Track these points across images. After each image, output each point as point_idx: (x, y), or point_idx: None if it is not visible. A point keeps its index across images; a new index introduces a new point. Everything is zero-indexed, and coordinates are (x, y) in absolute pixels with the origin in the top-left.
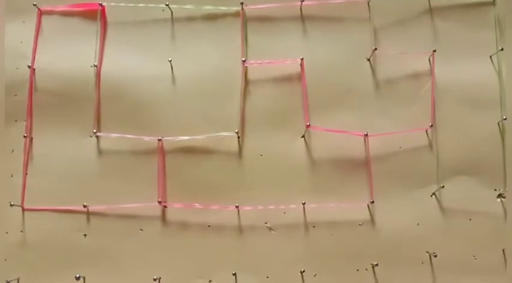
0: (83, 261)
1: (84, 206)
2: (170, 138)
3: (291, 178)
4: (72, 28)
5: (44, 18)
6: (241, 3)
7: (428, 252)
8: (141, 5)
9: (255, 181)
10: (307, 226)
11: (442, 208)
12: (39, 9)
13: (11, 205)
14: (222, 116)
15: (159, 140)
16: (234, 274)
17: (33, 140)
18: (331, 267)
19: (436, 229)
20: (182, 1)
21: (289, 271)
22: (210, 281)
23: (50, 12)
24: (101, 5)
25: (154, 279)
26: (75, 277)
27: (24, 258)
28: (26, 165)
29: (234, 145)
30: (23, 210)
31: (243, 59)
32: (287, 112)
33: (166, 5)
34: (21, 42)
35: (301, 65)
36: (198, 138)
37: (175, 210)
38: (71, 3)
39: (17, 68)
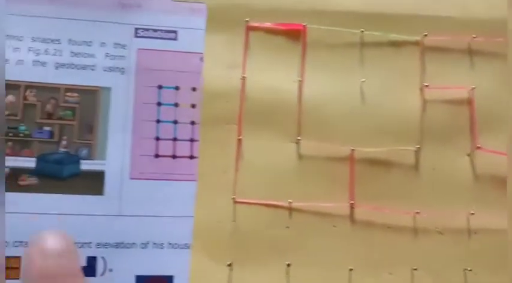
0: (286, 250)
1: (290, 202)
2: (362, 148)
3: (459, 190)
4: (275, 45)
5: (251, 33)
6: (425, 35)
7: None
8: (338, 29)
9: (429, 191)
10: (470, 232)
11: None
12: (247, 25)
13: (234, 200)
14: (401, 132)
15: (352, 150)
16: (415, 269)
17: (242, 141)
18: (491, 267)
19: None
20: (372, 27)
21: (455, 269)
22: (391, 274)
23: (257, 29)
24: (304, 26)
25: (350, 270)
26: (287, 264)
27: (235, 245)
28: (237, 163)
29: (411, 159)
30: (235, 202)
31: (426, 84)
32: (457, 133)
33: (362, 31)
34: (232, 54)
35: (471, 92)
36: (383, 150)
37: (362, 211)
38: (275, 21)
39: (230, 78)
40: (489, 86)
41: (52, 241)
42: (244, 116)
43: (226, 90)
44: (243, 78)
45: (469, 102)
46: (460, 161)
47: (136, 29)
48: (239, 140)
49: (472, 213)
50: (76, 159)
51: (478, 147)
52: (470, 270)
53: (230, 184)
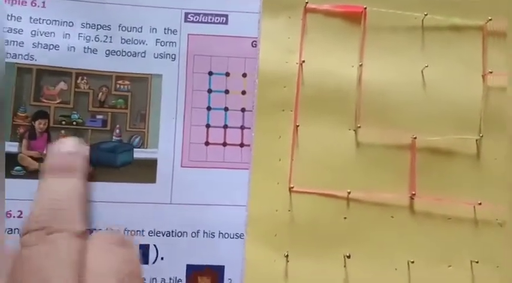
0: (344, 242)
1: (348, 192)
2: (423, 137)
3: None
4: (334, 28)
5: (309, 16)
6: (489, 19)
7: None
8: (399, 12)
9: (491, 182)
10: None
11: None
12: (305, 6)
13: (290, 189)
14: (463, 121)
15: (414, 138)
16: (476, 262)
17: (299, 128)
18: None
19: None
20: (435, 11)
21: None
22: (450, 266)
23: (314, 10)
24: (364, 8)
25: (412, 262)
26: (345, 256)
27: (291, 235)
28: (293, 151)
29: (473, 148)
30: (291, 191)
31: (490, 70)
32: None
33: (425, 14)
34: (289, 38)
35: None
36: (444, 139)
37: (422, 202)
38: (334, 3)
39: (286, 62)
40: None
41: (64, 145)
42: (301, 102)
43: (283, 75)
44: (301, 63)
45: None
46: None
47: (186, 13)
48: (296, 127)
49: None
50: (129, 148)
51: None
52: None
53: (286, 172)
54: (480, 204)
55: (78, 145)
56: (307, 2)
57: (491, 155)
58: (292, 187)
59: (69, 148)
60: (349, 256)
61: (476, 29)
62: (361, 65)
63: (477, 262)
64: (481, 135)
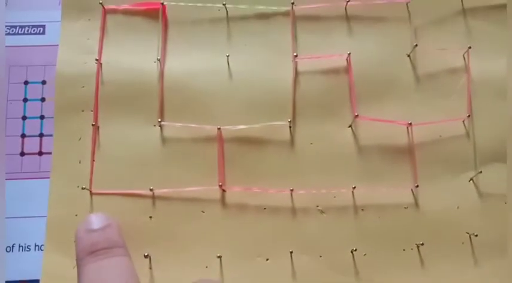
0: (149, 242)
1: (151, 190)
2: (229, 127)
3: (340, 165)
4: (135, 26)
5: (108, 17)
6: (292, 3)
7: (468, 233)
8: (200, 4)
9: (306, 168)
10: (356, 209)
11: (479, 193)
12: (103, 8)
13: (83, 188)
14: (274, 107)
15: (219, 128)
16: (291, 252)
17: (100, 128)
18: (379, 247)
19: (475, 212)
20: (237, 1)
21: (340, 251)
22: (268, 259)
23: (114, 11)
24: (162, 4)
25: (218, 257)
26: (144, 255)
27: None
28: (93, 152)
29: (286, 134)
30: (91, 194)
31: (295, 54)
32: (335, 103)
33: (224, 4)
34: (88, 39)
35: (348, 59)
36: (254, 127)
37: (234, 194)
38: (134, 2)
39: (85, 63)
40: (368, 52)
41: (91, 222)
42: (102, 101)
43: (82, 75)
44: (98, 62)
45: (346, 70)
46: (341, 134)
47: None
48: (95, 127)
49: (354, 187)
50: None
51: (356, 116)
52: (356, 250)
53: (86, 175)
54: (292, 190)
55: (107, 217)
56: (101, 3)
57: (305, 140)
58: (92, 190)
59: (100, 224)
60: (147, 256)
61: (282, 15)
62: (159, 59)
63: (297, 253)
64: (289, 120)
